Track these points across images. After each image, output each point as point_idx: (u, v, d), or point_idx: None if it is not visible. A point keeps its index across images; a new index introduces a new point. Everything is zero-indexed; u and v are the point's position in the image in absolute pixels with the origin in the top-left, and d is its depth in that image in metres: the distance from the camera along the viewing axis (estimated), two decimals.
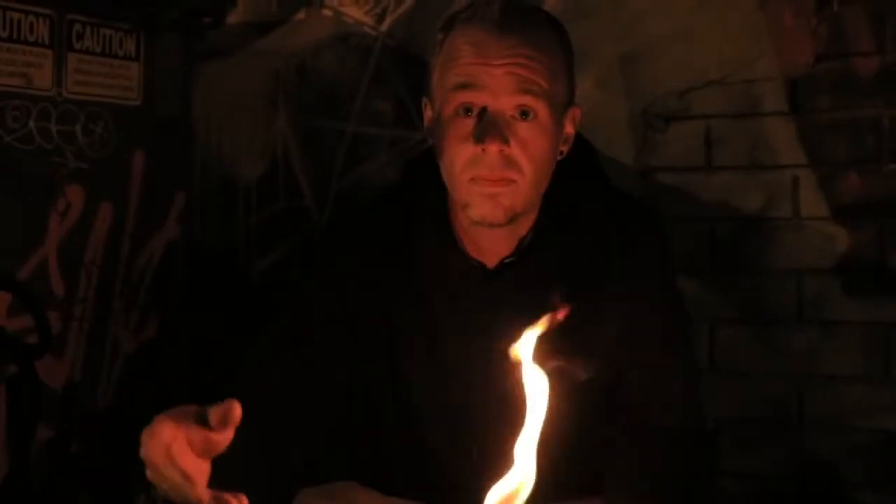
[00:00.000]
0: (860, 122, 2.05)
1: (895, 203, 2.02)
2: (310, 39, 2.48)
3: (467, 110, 1.37)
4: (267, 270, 2.47)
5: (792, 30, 2.09)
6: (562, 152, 1.45)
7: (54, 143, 1.86)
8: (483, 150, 1.35)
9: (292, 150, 2.48)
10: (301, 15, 2.49)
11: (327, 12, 2.48)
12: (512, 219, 1.39)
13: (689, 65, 2.15)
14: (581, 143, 1.53)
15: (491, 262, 1.44)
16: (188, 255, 2.11)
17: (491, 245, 1.44)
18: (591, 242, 1.45)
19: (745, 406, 2.13)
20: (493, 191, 1.35)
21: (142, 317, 2.02)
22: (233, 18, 2.36)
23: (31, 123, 1.83)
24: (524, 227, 1.44)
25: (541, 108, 1.37)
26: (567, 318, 1.07)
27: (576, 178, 1.48)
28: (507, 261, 1.44)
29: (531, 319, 1.07)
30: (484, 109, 1.35)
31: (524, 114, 1.37)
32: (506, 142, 1.34)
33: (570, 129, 1.46)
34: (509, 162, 1.35)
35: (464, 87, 1.37)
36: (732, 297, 2.14)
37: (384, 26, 2.43)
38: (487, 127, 1.34)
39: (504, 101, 1.35)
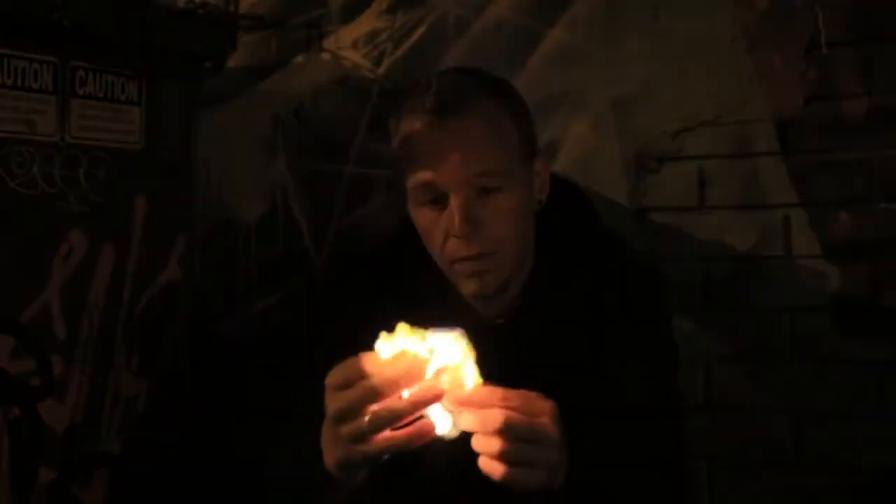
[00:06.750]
0: (850, 162, 2.07)
1: (886, 241, 2.04)
2: (308, 83, 2.51)
3: (433, 201, 1.40)
4: (267, 312, 2.50)
5: (781, 72, 2.12)
6: (540, 202, 1.47)
7: (57, 188, 1.87)
8: (455, 237, 1.37)
9: (291, 193, 2.50)
10: (300, 58, 2.53)
11: (326, 56, 2.51)
12: (503, 288, 1.42)
13: (682, 107, 2.18)
14: (571, 189, 1.55)
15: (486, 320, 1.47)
16: (189, 296, 2.12)
17: (484, 310, 1.47)
18: (582, 295, 1.46)
19: (740, 443, 2.14)
20: (476, 268, 1.38)
21: (143, 359, 2.02)
22: (233, 63, 2.38)
23: (35, 169, 1.84)
24: (515, 288, 1.46)
25: (502, 180, 1.38)
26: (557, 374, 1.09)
27: (565, 227, 1.50)
28: (497, 322, 1.46)
29: (517, 379, 1.12)
30: (449, 196, 1.37)
31: (487, 190, 1.39)
32: (475, 224, 1.36)
33: (541, 177, 1.48)
34: (485, 238, 1.37)
35: (424, 185, 1.39)
36: (727, 336, 2.16)
37: (382, 69, 2.46)
38: (455, 217, 1.36)
39: (464, 187, 1.37)
